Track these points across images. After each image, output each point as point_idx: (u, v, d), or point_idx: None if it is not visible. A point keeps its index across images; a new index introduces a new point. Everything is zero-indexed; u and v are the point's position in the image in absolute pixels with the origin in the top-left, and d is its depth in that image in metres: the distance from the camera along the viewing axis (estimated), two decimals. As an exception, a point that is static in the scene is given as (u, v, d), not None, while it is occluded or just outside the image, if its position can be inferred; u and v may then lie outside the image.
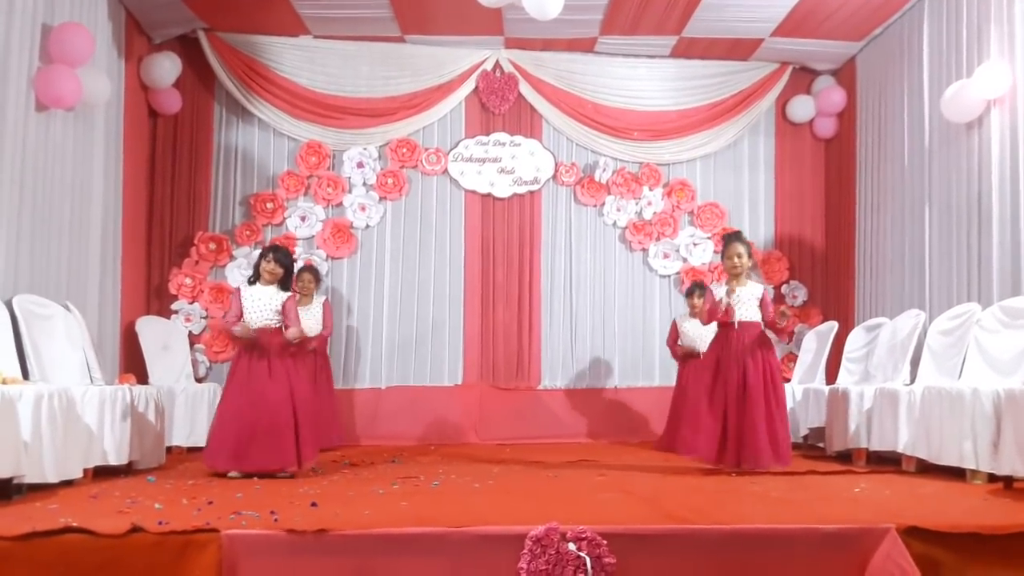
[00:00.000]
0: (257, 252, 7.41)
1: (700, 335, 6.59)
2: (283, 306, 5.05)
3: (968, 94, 5.76)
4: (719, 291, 5.32)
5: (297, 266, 6.89)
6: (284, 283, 5.14)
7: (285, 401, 4.89)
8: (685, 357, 6.85)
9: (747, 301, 5.23)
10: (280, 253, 5.14)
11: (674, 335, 7.01)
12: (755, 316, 5.22)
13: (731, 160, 8.17)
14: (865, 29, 7.21)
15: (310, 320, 6.63)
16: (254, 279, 5.14)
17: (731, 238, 5.38)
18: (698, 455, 5.17)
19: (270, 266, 5.07)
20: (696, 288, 6.94)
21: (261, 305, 5.02)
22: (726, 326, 5.24)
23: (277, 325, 5.03)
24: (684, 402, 6.59)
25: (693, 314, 6.82)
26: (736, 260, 5.25)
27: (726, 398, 5.09)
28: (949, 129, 6.15)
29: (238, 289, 5.20)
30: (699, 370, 6.35)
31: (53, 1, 5.51)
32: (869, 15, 6.93)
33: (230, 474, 4.78)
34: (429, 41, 7.71)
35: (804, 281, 8.08)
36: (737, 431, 5.03)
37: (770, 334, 5.31)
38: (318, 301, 6.85)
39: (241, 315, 5.02)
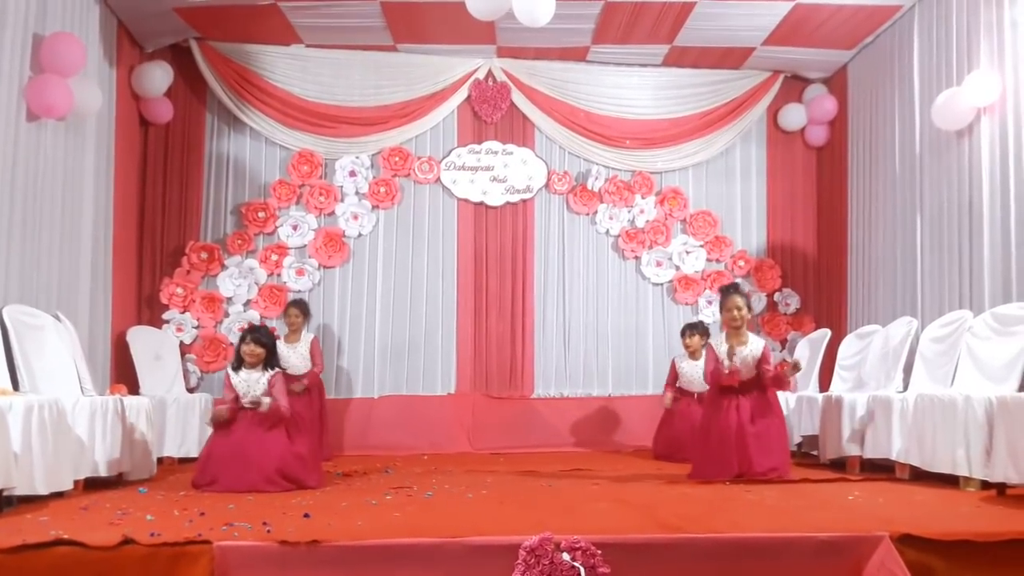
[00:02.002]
0: (249, 261, 7.48)
1: (693, 378, 6.65)
2: (269, 383, 4.96)
3: (958, 102, 5.79)
4: (720, 349, 5.24)
5: (289, 296, 6.88)
6: (268, 362, 5.04)
7: (274, 465, 4.70)
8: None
9: (750, 363, 5.19)
10: (259, 333, 5.08)
11: (673, 376, 6.90)
12: (751, 374, 5.20)
13: (723, 168, 8.20)
14: (856, 38, 7.25)
15: (296, 358, 6.62)
16: (237, 365, 5.04)
17: (728, 291, 5.34)
18: (714, 478, 5.06)
19: (249, 347, 4.99)
20: (688, 328, 6.91)
21: (251, 390, 4.93)
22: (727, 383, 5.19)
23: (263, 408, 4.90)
24: (671, 420, 6.65)
25: (689, 354, 6.81)
26: (736, 313, 5.21)
27: (726, 426, 5.08)
28: (940, 137, 6.18)
29: (227, 375, 5.05)
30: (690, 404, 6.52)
31: (45, 11, 5.50)
32: (860, 24, 6.96)
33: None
34: (421, 50, 7.72)
35: (796, 289, 8.09)
36: (739, 442, 5.03)
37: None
38: (306, 338, 6.84)
39: (238, 398, 4.92)
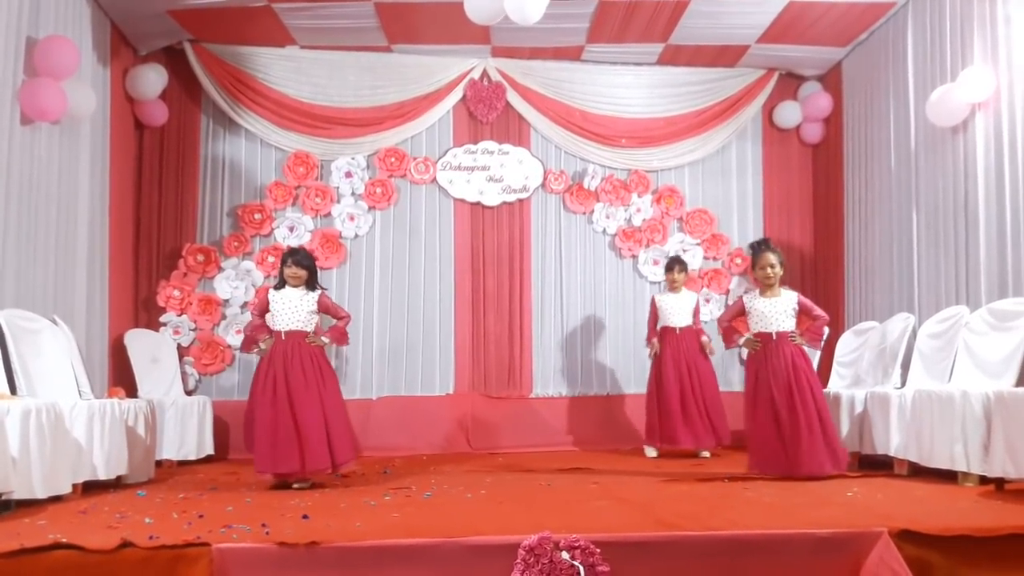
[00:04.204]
0: (246, 263, 7.47)
1: (675, 309, 6.80)
2: (319, 305, 5.17)
3: (953, 98, 5.80)
4: (753, 304, 5.27)
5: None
6: (310, 283, 5.20)
7: (316, 404, 4.93)
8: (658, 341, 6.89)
9: (782, 312, 5.19)
10: (300, 255, 5.22)
11: (654, 315, 6.97)
12: (790, 325, 5.20)
13: (719, 166, 8.20)
14: (850, 35, 7.26)
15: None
16: (280, 284, 5.21)
17: (761, 247, 5.30)
18: (768, 471, 5.06)
19: (292, 270, 5.14)
20: (676, 263, 6.94)
21: (291, 307, 5.10)
22: (764, 338, 5.19)
23: (305, 328, 5.10)
24: (661, 391, 6.70)
25: (671, 288, 6.91)
26: (769, 271, 5.21)
27: (775, 410, 5.05)
28: (935, 133, 6.19)
29: (265, 288, 5.22)
30: (676, 358, 6.68)
31: (38, 14, 5.48)
32: (854, 21, 6.97)
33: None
34: (416, 50, 7.72)
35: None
36: (793, 440, 4.98)
37: (802, 343, 5.24)
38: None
39: (266, 311, 5.16)
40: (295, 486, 4.86)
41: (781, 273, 5.30)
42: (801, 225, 8.23)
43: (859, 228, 7.35)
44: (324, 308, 5.22)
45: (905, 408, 5.10)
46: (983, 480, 4.44)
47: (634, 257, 8.01)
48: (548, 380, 7.84)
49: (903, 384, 5.74)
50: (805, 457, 4.93)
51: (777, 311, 5.21)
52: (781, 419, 5.03)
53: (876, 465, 5.47)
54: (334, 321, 5.35)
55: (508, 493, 4.48)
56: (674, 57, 7.83)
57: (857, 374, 6.48)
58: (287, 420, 4.87)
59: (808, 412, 4.99)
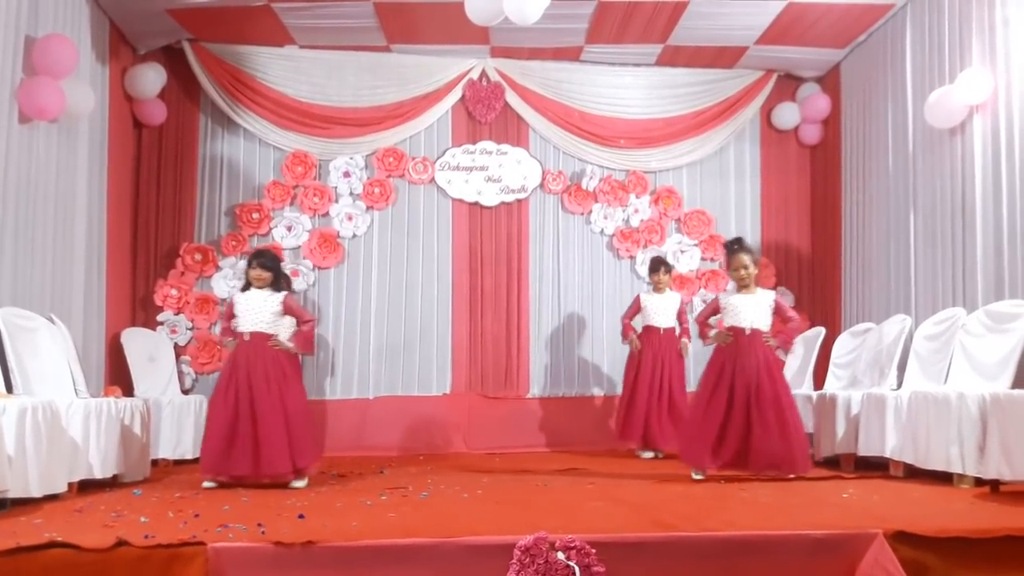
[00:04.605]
0: (243, 263, 7.44)
1: (659, 309, 6.88)
2: (283, 307, 5.14)
3: (951, 100, 5.81)
4: (726, 299, 5.31)
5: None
6: (275, 285, 5.19)
7: (277, 407, 4.91)
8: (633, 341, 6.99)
9: (757, 309, 5.20)
10: (264, 258, 5.21)
11: (635, 309, 7.04)
12: (765, 325, 5.20)
13: (717, 167, 8.20)
14: (849, 36, 7.26)
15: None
16: (246, 286, 5.21)
17: (734, 248, 5.30)
18: (694, 463, 5.13)
19: (255, 272, 5.14)
20: (661, 264, 7.00)
21: (254, 309, 5.09)
22: (736, 331, 5.19)
23: (269, 330, 5.08)
24: (634, 389, 6.79)
25: (656, 289, 6.96)
26: (743, 272, 5.21)
27: (731, 404, 5.05)
28: (932, 135, 6.19)
29: (231, 300, 5.27)
30: (654, 359, 6.79)
31: (36, 12, 5.48)
32: (852, 22, 6.97)
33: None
34: (415, 50, 7.72)
35: (791, 287, 8.10)
36: (746, 436, 4.99)
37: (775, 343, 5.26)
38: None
39: (232, 318, 5.17)
40: (293, 485, 4.86)
41: (756, 272, 5.30)
42: (799, 226, 8.23)
43: (856, 229, 7.36)
44: (289, 310, 5.20)
45: (901, 410, 5.10)
46: (979, 482, 4.45)
47: (632, 258, 8.01)
48: (545, 381, 7.83)
49: (899, 386, 5.74)
50: (752, 455, 4.96)
51: (750, 305, 5.20)
52: (733, 415, 5.02)
53: (872, 466, 5.48)
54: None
55: (504, 493, 4.48)
56: (673, 58, 7.83)
57: (854, 375, 6.49)
58: (245, 423, 4.85)
59: (765, 413, 4.98)
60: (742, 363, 5.10)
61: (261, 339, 5.05)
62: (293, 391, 5.09)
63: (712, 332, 5.38)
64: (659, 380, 6.77)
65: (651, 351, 6.85)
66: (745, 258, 5.21)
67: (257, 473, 4.85)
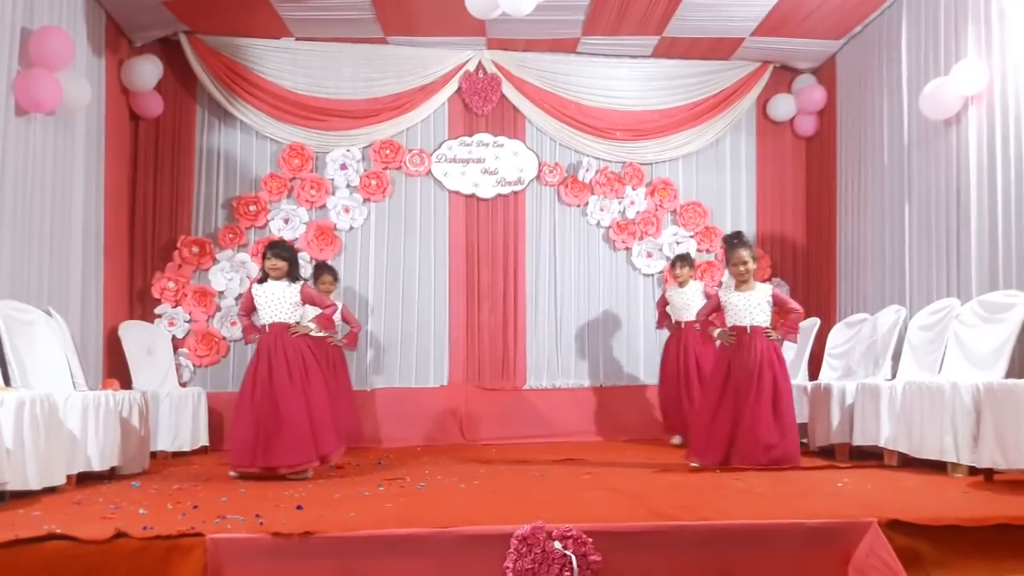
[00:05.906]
0: (241, 255, 7.47)
1: (685, 304, 6.89)
2: (302, 296, 5.16)
3: (946, 91, 5.81)
4: (726, 297, 5.36)
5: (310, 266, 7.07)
6: (292, 275, 5.20)
7: (298, 396, 4.94)
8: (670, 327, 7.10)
9: (756, 305, 5.24)
10: (279, 248, 5.23)
11: (663, 301, 7.16)
12: (765, 320, 5.25)
13: (713, 159, 8.21)
14: (844, 28, 7.26)
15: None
16: (263, 278, 5.23)
17: (733, 244, 5.32)
18: (707, 462, 5.14)
19: (271, 262, 5.15)
20: (679, 260, 7.05)
21: (274, 300, 5.11)
22: (738, 331, 5.26)
23: (291, 320, 5.12)
24: (673, 378, 6.86)
25: (676, 284, 7.04)
26: (742, 267, 5.25)
27: (736, 402, 5.12)
28: (927, 126, 6.20)
29: (249, 291, 5.26)
30: (678, 352, 6.84)
31: (32, 5, 5.47)
32: (848, 14, 6.98)
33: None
34: (411, 42, 7.71)
35: (786, 278, 8.12)
36: (737, 429, 5.08)
37: (776, 336, 5.32)
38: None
39: (252, 310, 5.20)
40: (290, 477, 4.88)
41: (754, 267, 5.35)
42: (794, 217, 8.25)
43: (851, 220, 7.38)
44: (307, 299, 5.23)
45: (895, 399, 5.13)
46: (972, 471, 4.48)
47: (628, 249, 8.02)
48: (542, 372, 7.86)
49: (894, 376, 5.77)
50: (748, 446, 5.03)
51: (751, 304, 5.25)
52: (739, 411, 5.10)
53: (866, 456, 5.50)
54: (319, 311, 5.43)
55: (501, 484, 4.50)
56: (669, 50, 7.83)
57: (848, 366, 6.51)
58: (270, 414, 4.88)
59: (762, 401, 5.06)
60: (743, 359, 5.18)
61: (281, 329, 5.08)
62: (315, 379, 5.10)
63: (715, 331, 5.43)
64: (686, 374, 6.80)
65: (675, 346, 6.94)
66: (744, 253, 5.24)
67: (284, 463, 4.87)
